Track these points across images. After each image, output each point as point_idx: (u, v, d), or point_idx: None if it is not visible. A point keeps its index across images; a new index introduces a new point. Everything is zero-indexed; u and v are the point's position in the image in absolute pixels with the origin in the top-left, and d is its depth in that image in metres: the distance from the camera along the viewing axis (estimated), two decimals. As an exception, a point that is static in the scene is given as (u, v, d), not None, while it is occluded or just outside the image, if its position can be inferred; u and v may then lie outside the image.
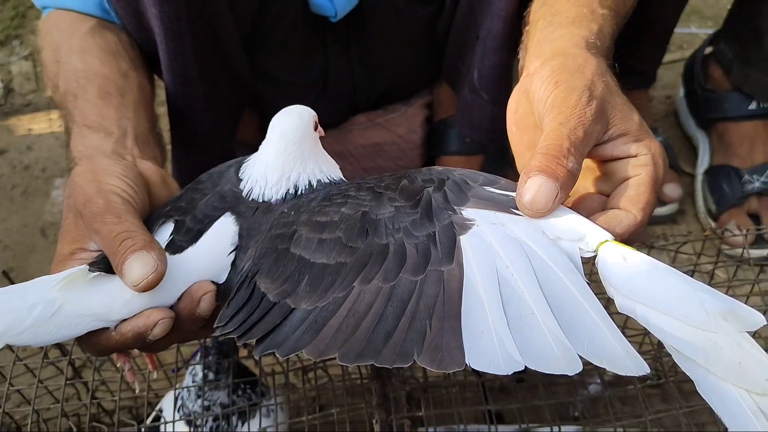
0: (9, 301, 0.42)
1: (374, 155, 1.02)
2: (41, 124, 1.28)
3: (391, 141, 1.02)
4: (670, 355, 0.75)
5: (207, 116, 0.79)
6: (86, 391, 0.65)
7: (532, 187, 0.39)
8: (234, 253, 0.46)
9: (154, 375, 0.49)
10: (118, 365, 0.54)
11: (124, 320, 0.44)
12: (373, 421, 0.49)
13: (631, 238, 0.43)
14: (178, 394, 0.65)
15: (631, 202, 0.43)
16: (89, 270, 0.43)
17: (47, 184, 1.17)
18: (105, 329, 0.44)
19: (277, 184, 0.47)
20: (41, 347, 0.62)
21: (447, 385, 0.55)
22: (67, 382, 0.62)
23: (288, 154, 0.47)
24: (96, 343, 0.45)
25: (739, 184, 0.98)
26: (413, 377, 0.57)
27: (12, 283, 0.68)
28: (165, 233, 0.48)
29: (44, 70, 0.69)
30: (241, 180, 0.48)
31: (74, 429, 0.55)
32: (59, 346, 0.72)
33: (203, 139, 0.82)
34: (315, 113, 0.51)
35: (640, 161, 0.45)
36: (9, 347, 0.66)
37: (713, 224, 0.99)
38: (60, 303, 0.42)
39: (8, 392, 0.59)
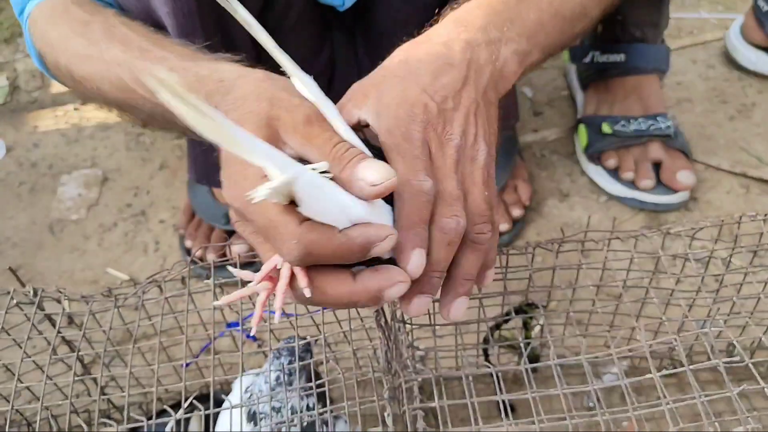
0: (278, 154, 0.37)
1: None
2: (47, 121, 1.28)
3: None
4: (687, 345, 0.73)
5: None
6: (96, 387, 0.65)
7: None
8: None
9: (276, 319, 0.43)
10: (255, 287, 0.45)
11: (355, 225, 0.40)
12: (385, 414, 0.48)
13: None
14: (251, 385, 0.62)
15: None
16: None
17: (54, 181, 1.17)
18: (329, 230, 0.39)
19: None
20: (49, 343, 0.62)
21: (459, 377, 0.54)
22: (76, 378, 0.61)
23: None
24: (313, 242, 0.39)
25: None
26: (425, 367, 0.57)
27: (20, 281, 0.68)
28: None
29: (62, 39, 0.63)
30: None
31: (84, 426, 0.55)
32: (68, 342, 0.71)
33: None
34: None
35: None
36: (17, 344, 0.66)
37: None
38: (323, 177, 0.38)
39: (17, 388, 0.58)
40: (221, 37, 0.71)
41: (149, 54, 0.55)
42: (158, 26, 0.67)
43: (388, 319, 0.56)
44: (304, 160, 0.42)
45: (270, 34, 0.84)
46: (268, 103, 0.43)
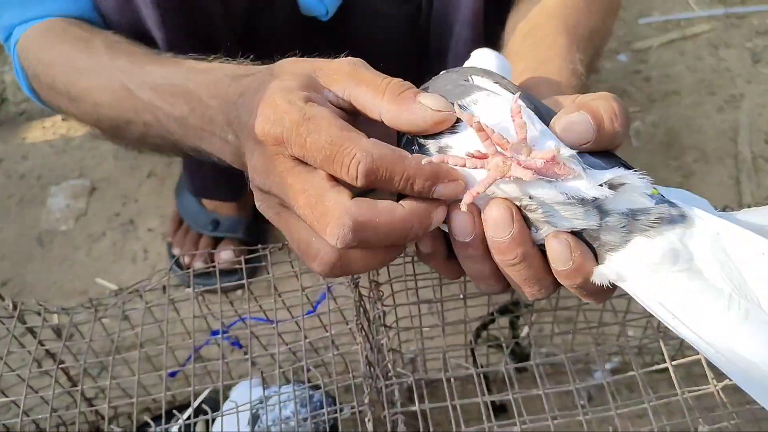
0: None
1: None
2: (35, 132, 1.28)
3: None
4: (674, 339, 0.73)
5: None
6: (83, 399, 0.65)
7: None
8: None
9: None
10: None
11: None
12: (366, 420, 0.48)
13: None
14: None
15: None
16: None
17: (43, 192, 1.17)
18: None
19: None
20: (30, 352, 0.61)
21: (444, 379, 0.54)
22: (60, 390, 0.61)
23: None
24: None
25: None
26: (408, 371, 0.56)
27: (1, 297, 0.67)
28: None
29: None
30: None
31: (66, 438, 0.54)
32: (52, 355, 0.71)
33: None
34: None
35: None
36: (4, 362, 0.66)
37: None
38: None
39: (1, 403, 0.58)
40: (208, 47, 0.72)
41: (161, 59, 0.55)
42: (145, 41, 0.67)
43: (370, 323, 0.55)
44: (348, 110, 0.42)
45: (259, 50, 0.85)
46: (308, 64, 0.44)
